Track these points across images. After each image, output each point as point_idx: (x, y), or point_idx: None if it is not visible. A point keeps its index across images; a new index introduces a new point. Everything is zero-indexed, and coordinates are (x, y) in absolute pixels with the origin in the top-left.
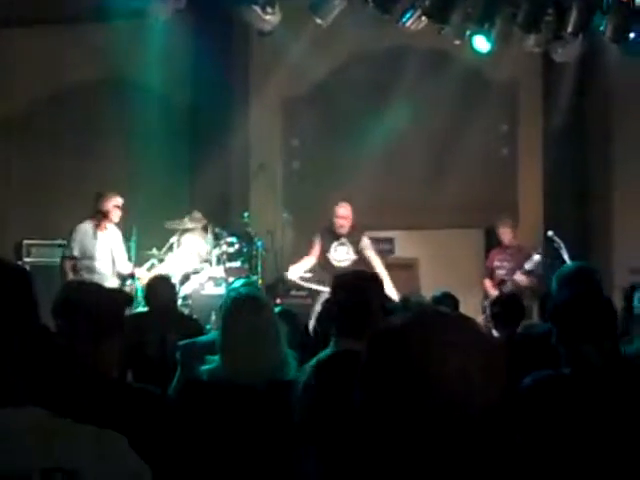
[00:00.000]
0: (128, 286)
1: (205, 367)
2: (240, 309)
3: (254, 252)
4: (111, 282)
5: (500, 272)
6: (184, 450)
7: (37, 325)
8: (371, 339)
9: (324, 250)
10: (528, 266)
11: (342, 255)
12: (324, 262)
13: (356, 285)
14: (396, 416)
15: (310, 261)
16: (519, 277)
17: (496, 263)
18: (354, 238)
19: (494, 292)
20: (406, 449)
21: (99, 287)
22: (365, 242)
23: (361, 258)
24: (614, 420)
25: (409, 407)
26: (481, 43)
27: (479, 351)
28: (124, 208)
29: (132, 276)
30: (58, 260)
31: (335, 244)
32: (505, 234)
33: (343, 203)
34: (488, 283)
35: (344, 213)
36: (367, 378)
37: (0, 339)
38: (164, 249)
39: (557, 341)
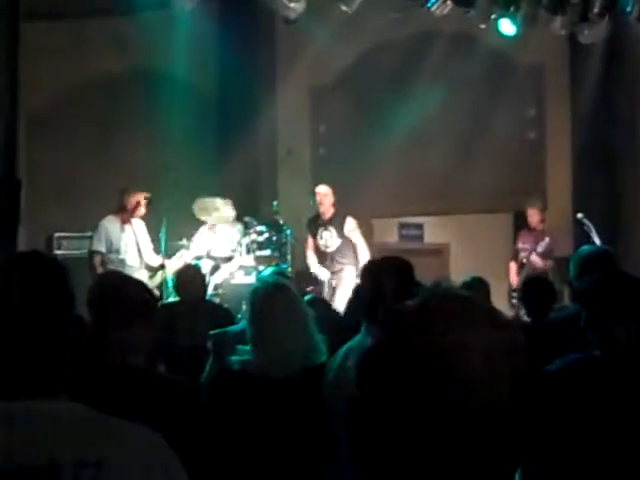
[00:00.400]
0: (158, 276)
1: (237, 358)
2: (268, 299)
3: (284, 240)
4: (140, 274)
5: (522, 254)
6: (216, 442)
7: (72, 317)
8: (382, 323)
9: (314, 239)
10: (540, 248)
11: (327, 240)
12: (316, 250)
13: (371, 270)
14: (407, 406)
15: (312, 256)
16: (534, 258)
17: (520, 245)
18: (337, 221)
19: (515, 276)
20: (419, 438)
21: (130, 279)
22: (350, 224)
23: (347, 241)
24: None
25: (420, 393)
26: (507, 27)
27: (495, 335)
28: (153, 199)
29: (162, 267)
30: (88, 252)
31: (320, 230)
32: (533, 216)
33: (318, 188)
34: (513, 266)
35: (319, 198)
36: (377, 363)
37: (37, 331)
38: (193, 238)
39: (585, 324)
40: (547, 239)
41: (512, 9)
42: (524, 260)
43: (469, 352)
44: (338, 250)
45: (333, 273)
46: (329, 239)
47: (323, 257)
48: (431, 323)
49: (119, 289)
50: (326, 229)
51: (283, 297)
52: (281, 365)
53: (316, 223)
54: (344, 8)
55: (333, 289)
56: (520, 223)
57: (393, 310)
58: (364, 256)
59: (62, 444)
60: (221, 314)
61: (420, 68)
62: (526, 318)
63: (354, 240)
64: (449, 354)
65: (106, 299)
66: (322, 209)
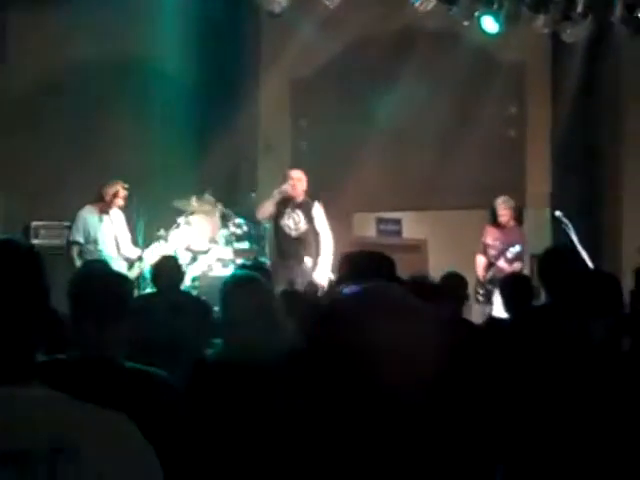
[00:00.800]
0: (136, 268)
1: (210, 350)
2: (234, 291)
3: (262, 233)
4: (118, 265)
5: (492, 252)
6: (191, 433)
7: (46, 307)
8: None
9: (276, 217)
10: (510, 255)
11: (293, 223)
12: (278, 233)
13: (353, 262)
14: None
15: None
16: (502, 265)
17: (489, 241)
18: (306, 207)
19: (482, 271)
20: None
21: (106, 272)
22: (317, 209)
23: (312, 230)
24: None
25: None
26: (489, 24)
27: (418, 330)
28: (131, 189)
29: (139, 258)
30: (65, 242)
31: (288, 211)
32: (505, 215)
33: (293, 172)
34: (480, 260)
35: (292, 182)
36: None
37: (12, 319)
38: (171, 230)
39: (563, 316)
40: (518, 247)
41: (495, 7)
42: (492, 260)
43: (393, 347)
44: (302, 237)
45: (292, 260)
46: (296, 222)
47: (286, 242)
48: (358, 319)
49: (95, 282)
50: (294, 212)
51: (250, 289)
52: (246, 355)
53: (284, 205)
54: (327, 2)
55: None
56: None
57: (324, 305)
58: (326, 248)
59: (37, 429)
60: (198, 306)
61: (402, 64)
62: (495, 314)
63: (318, 228)
64: (374, 349)
65: (82, 292)
66: (294, 193)
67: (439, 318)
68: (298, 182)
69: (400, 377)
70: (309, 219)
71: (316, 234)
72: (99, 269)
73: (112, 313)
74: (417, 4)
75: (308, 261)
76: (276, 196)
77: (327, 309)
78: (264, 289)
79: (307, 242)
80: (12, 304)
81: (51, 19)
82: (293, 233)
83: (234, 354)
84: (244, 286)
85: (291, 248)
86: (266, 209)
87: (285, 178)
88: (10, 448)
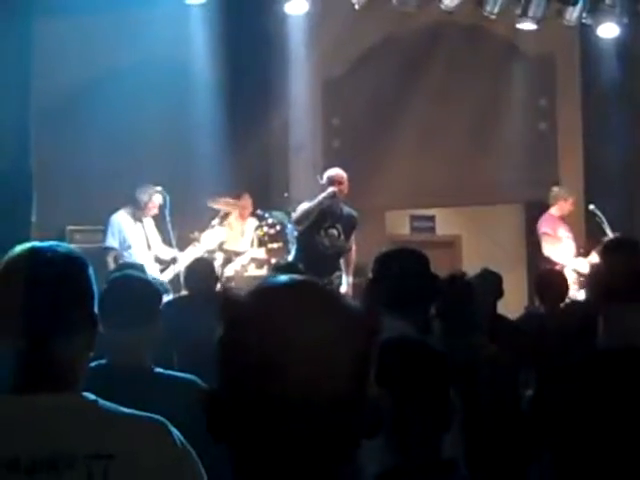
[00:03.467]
0: (170, 271)
1: None
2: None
3: (295, 233)
4: (151, 269)
5: (570, 243)
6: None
7: (90, 311)
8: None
9: (311, 229)
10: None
11: (329, 241)
12: (309, 244)
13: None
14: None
15: None
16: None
17: (562, 232)
18: (350, 222)
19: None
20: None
21: (136, 277)
22: (355, 227)
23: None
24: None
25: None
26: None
27: (329, 324)
28: (165, 192)
29: (173, 261)
30: (101, 246)
31: (327, 225)
32: (566, 209)
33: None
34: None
35: (343, 177)
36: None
37: (55, 325)
38: (205, 231)
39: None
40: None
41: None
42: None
43: (301, 344)
44: (338, 253)
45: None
46: (334, 239)
47: (318, 259)
48: (263, 315)
49: (123, 287)
50: (334, 227)
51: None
52: None
53: (323, 217)
54: (353, 1)
55: None
56: (533, 214)
57: (227, 300)
58: (352, 265)
59: (76, 436)
60: None
61: (432, 60)
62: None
63: (351, 244)
64: (282, 347)
65: (110, 297)
66: (341, 197)
67: (364, 321)
68: (344, 185)
69: (306, 387)
70: (347, 235)
71: (341, 253)
72: (130, 275)
73: (141, 318)
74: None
75: (337, 278)
76: (325, 201)
77: (234, 306)
78: None
79: (340, 258)
80: (60, 311)
81: (82, 24)
82: (329, 251)
83: None
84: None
85: (323, 266)
86: (305, 218)
87: (330, 181)
88: (49, 455)
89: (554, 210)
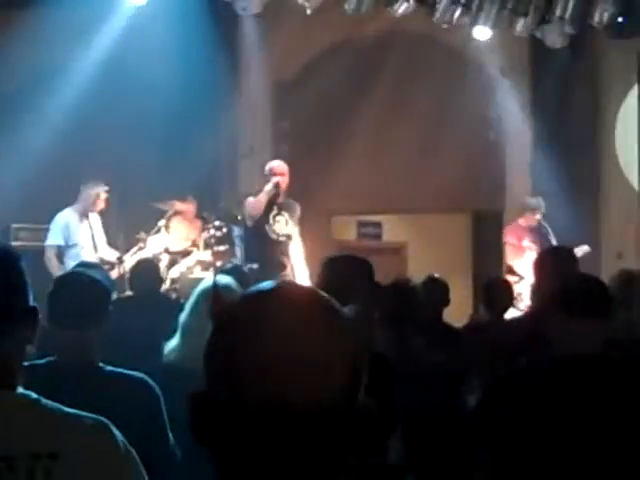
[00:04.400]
0: (115, 271)
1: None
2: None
3: (242, 236)
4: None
5: (533, 255)
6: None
7: (26, 309)
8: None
9: (258, 220)
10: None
11: (281, 227)
12: (259, 234)
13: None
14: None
15: None
16: None
17: (527, 243)
18: (292, 208)
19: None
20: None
21: (85, 277)
22: (298, 212)
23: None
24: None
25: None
26: (481, 33)
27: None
28: (112, 192)
29: (119, 261)
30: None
31: (273, 212)
32: (533, 220)
33: (280, 166)
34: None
35: (285, 168)
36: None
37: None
38: (151, 233)
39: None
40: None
41: (474, 10)
42: None
43: (288, 350)
44: (285, 241)
45: (275, 268)
46: (281, 226)
47: (270, 248)
48: (250, 321)
49: (72, 286)
50: (280, 214)
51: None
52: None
53: (269, 206)
54: (306, 4)
55: None
56: (480, 222)
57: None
58: (300, 253)
59: (18, 435)
60: (177, 309)
61: (382, 66)
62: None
63: (293, 232)
64: (268, 353)
65: (59, 296)
66: (284, 188)
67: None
68: (286, 176)
69: (290, 396)
70: (292, 222)
71: (290, 237)
72: (79, 272)
73: (90, 317)
74: (397, 7)
75: (289, 267)
76: (270, 191)
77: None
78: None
79: (289, 244)
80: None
81: (34, 20)
82: (280, 238)
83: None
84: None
85: (275, 255)
86: (260, 206)
87: (272, 172)
88: None
89: (521, 220)
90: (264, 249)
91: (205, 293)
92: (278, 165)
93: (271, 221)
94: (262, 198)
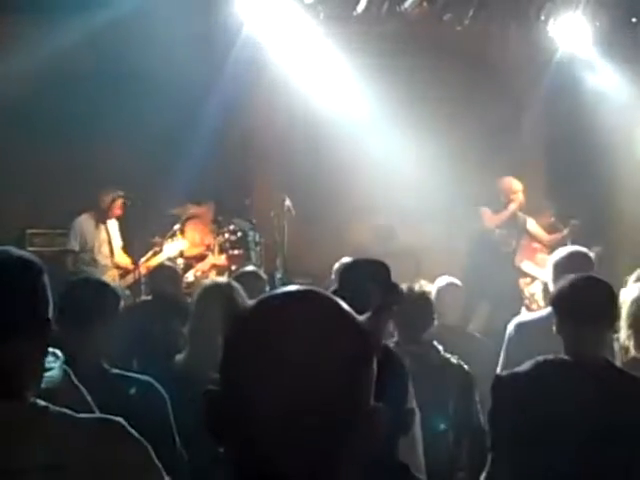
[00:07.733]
0: (131, 276)
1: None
2: (203, 299)
3: (257, 240)
4: (112, 274)
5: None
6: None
7: (45, 316)
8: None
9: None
10: None
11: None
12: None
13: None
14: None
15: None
16: None
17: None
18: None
19: None
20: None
21: (92, 281)
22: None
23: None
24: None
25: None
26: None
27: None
28: (128, 197)
29: (134, 266)
30: (60, 249)
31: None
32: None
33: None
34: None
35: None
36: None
37: (10, 332)
38: (167, 237)
39: (558, 328)
40: None
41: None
42: None
43: (299, 355)
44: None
45: None
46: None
47: None
48: (264, 324)
49: (79, 291)
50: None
51: (219, 296)
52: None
53: None
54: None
55: None
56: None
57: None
58: None
59: (22, 448)
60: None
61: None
62: None
63: None
64: (279, 357)
65: (66, 300)
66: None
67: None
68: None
69: (299, 401)
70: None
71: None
72: (88, 276)
73: (96, 321)
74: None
75: None
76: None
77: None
78: (235, 297)
79: None
80: (9, 316)
81: (42, 24)
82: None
83: (192, 363)
84: (213, 293)
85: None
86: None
87: (510, 191)
88: (3, 466)
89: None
90: None
91: (215, 297)
92: (514, 183)
93: None
94: (502, 217)
